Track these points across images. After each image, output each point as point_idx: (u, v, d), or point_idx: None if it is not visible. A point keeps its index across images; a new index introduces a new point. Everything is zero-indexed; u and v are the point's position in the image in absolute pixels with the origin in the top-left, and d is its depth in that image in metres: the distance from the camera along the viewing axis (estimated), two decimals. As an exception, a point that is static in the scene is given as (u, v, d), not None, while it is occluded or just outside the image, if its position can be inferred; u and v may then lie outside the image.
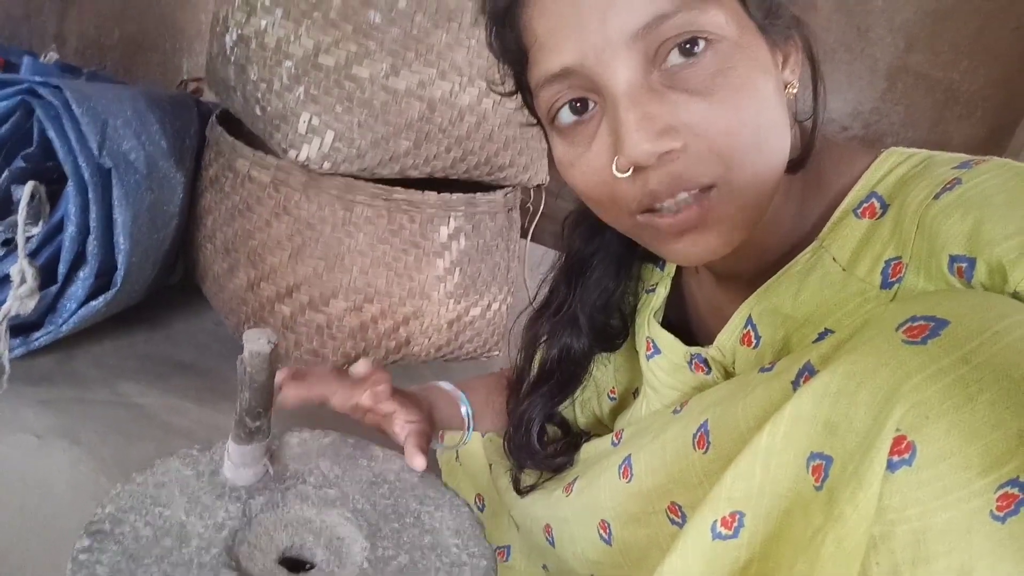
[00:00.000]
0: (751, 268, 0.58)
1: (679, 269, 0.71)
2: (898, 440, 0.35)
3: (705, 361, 0.62)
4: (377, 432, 0.73)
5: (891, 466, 0.35)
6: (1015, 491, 0.32)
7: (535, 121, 0.60)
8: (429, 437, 0.71)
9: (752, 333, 0.58)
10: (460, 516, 0.62)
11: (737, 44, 0.46)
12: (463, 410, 0.79)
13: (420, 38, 1.06)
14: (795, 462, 0.41)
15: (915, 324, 0.38)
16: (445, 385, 0.80)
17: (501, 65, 0.58)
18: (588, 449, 0.72)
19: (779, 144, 0.50)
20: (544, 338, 0.72)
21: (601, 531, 0.63)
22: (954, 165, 0.48)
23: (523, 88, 0.57)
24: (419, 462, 0.65)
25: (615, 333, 0.74)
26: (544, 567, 0.78)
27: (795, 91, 0.52)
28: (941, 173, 0.48)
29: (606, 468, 0.64)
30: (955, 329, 0.36)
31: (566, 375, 0.73)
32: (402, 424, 0.70)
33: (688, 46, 0.45)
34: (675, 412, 0.60)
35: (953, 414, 0.34)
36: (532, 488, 0.74)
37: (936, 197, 0.46)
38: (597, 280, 0.70)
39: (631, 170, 0.47)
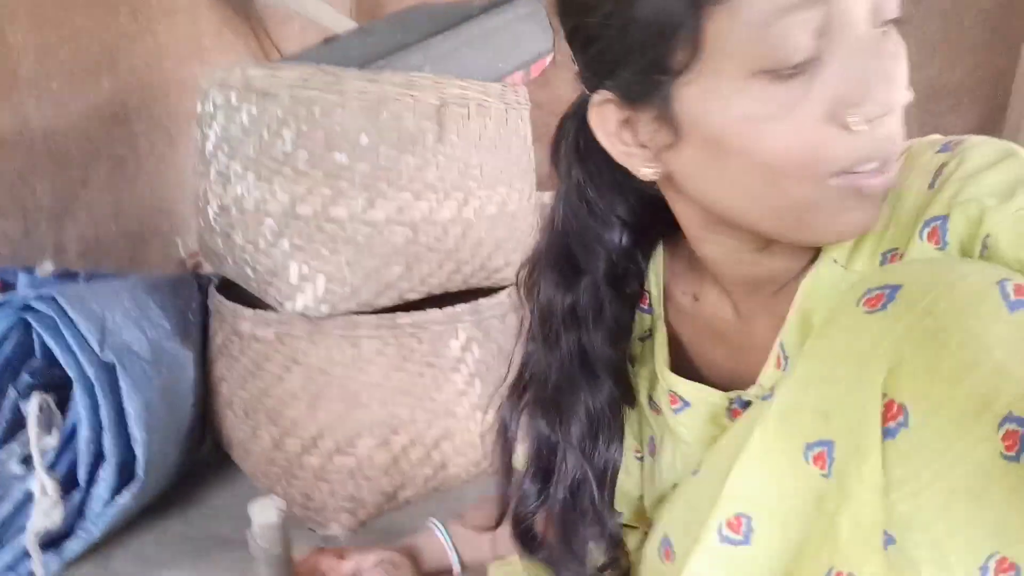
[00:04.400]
0: (778, 276, 0.57)
1: (666, 311, 0.68)
2: (888, 406, 0.35)
3: (745, 404, 0.59)
4: None
5: (889, 433, 0.35)
6: (1015, 427, 0.32)
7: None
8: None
9: (781, 356, 0.56)
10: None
11: None
12: (442, 540, 0.80)
13: (388, 167, 1.08)
14: (791, 455, 0.41)
15: (871, 295, 0.39)
16: (433, 521, 0.81)
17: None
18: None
19: None
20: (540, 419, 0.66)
21: None
22: (936, 150, 0.50)
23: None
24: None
25: (628, 376, 0.68)
26: None
27: None
28: (927, 161, 0.49)
29: (647, 558, 0.61)
30: (909, 288, 0.38)
31: (606, 435, 0.65)
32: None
33: (889, 15, 0.46)
34: (694, 474, 0.57)
35: (931, 364, 0.34)
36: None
37: (931, 186, 0.47)
38: (598, 313, 0.64)
39: (866, 124, 0.44)
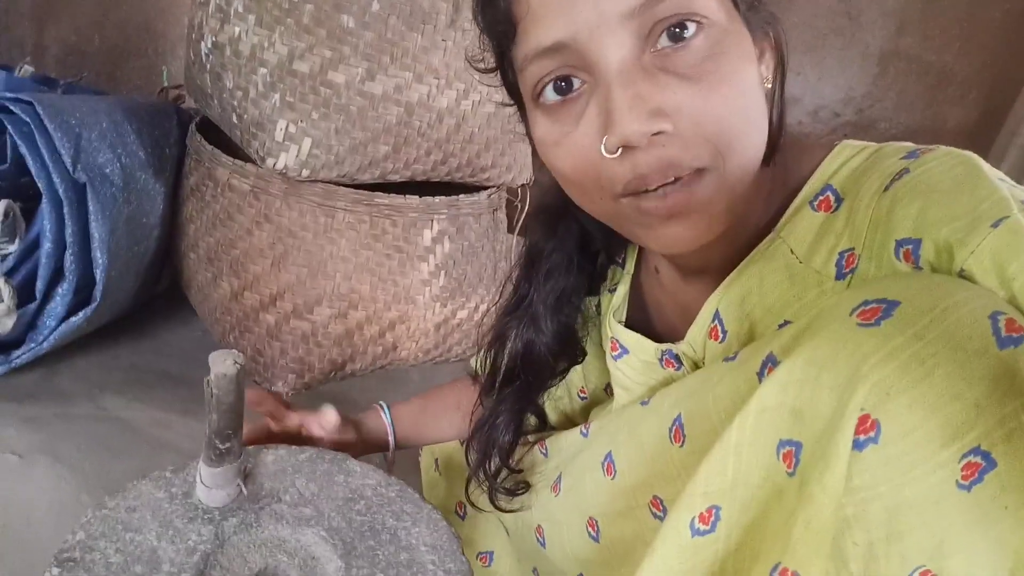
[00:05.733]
0: (719, 261, 0.58)
1: (638, 266, 0.71)
2: (863, 419, 0.36)
3: (676, 357, 0.63)
4: None
5: (858, 445, 0.36)
6: (978, 459, 0.33)
7: (511, 102, 0.60)
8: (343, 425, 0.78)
9: (719, 327, 0.58)
10: (437, 531, 0.61)
11: (726, 31, 0.47)
12: (384, 418, 0.83)
13: (395, 42, 1.05)
14: (765, 451, 0.42)
15: (867, 307, 0.39)
16: (380, 404, 0.85)
17: (483, 39, 0.57)
18: (560, 443, 0.73)
19: (761, 133, 0.50)
20: (511, 335, 0.72)
21: (590, 529, 0.64)
22: (902, 155, 0.49)
23: (505, 65, 0.56)
24: (330, 414, 0.74)
25: (577, 338, 0.74)
26: (534, 571, 0.78)
27: (769, 86, 0.52)
28: (890, 164, 0.49)
29: (590, 467, 0.64)
30: (906, 309, 0.38)
31: (531, 373, 0.72)
32: (318, 423, 0.77)
33: (678, 30, 0.45)
34: (643, 403, 0.60)
35: (913, 389, 0.35)
36: (512, 493, 0.74)
37: (886, 189, 0.47)
38: (549, 273, 0.70)
39: (619, 151, 0.47)
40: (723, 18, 0.47)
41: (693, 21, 0.45)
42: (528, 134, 0.57)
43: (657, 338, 0.65)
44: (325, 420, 0.76)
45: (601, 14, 0.45)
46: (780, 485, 0.41)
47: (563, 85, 0.49)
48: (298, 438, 0.77)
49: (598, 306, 0.75)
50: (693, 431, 0.51)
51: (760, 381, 0.43)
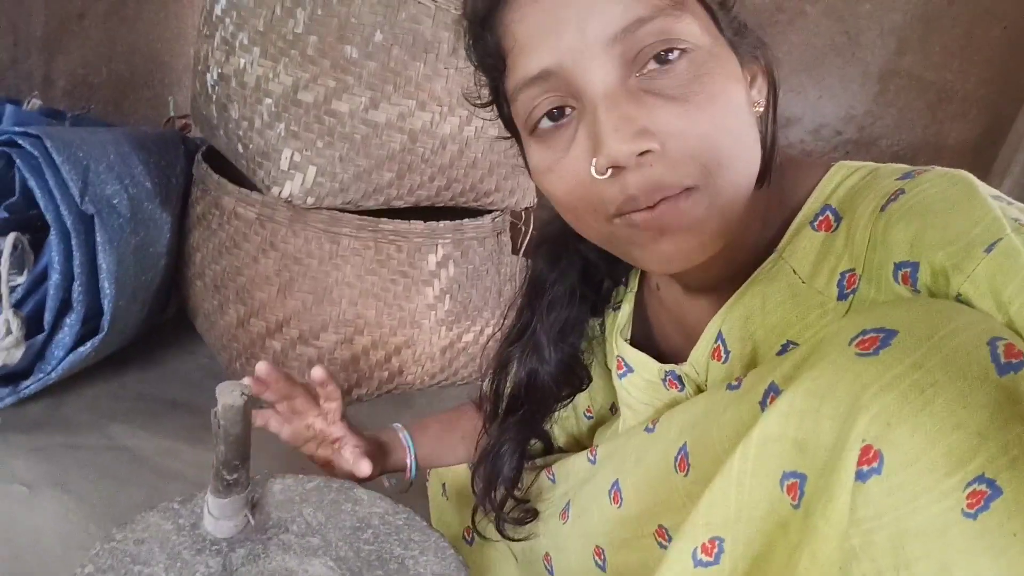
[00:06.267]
0: (719, 281, 0.58)
1: (641, 286, 0.71)
2: (865, 450, 0.36)
3: (679, 378, 0.63)
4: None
5: (861, 476, 0.36)
6: (983, 487, 0.33)
7: (508, 135, 0.61)
8: (376, 459, 0.77)
9: (722, 348, 0.58)
10: (445, 560, 0.61)
11: (711, 54, 0.48)
12: (406, 447, 0.84)
13: (398, 71, 1.06)
14: (768, 483, 0.41)
15: (866, 337, 0.39)
16: (398, 427, 0.85)
17: (478, 75, 0.58)
18: (567, 468, 0.73)
19: (752, 153, 0.50)
20: (513, 364, 0.72)
21: (596, 557, 0.64)
22: (897, 176, 0.49)
23: (499, 97, 0.57)
24: (365, 466, 0.72)
25: (581, 365, 0.74)
26: None
27: (760, 111, 0.53)
28: (885, 185, 0.49)
29: (597, 495, 0.64)
30: (904, 338, 0.38)
31: (535, 402, 0.73)
32: (351, 448, 0.75)
33: (664, 54, 0.46)
34: (648, 430, 0.60)
35: (913, 419, 0.35)
36: (519, 522, 0.73)
37: (882, 209, 0.48)
38: (551, 304, 0.70)
39: (609, 172, 0.47)
40: (707, 42, 0.48)
41: (677, 47, 0.46)
42: (526, 165, 0.58)
43: (661, 358, 0.65)
44: (315, 379, 0.77)
45: (585, 40, 0.46)
46: (785, 518, 0.41)
47: (555, 112, 0.50)
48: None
49: (602, 324, 0.76)
50: (698, 460, 0.51)
51: (763, 410, 0.43)
